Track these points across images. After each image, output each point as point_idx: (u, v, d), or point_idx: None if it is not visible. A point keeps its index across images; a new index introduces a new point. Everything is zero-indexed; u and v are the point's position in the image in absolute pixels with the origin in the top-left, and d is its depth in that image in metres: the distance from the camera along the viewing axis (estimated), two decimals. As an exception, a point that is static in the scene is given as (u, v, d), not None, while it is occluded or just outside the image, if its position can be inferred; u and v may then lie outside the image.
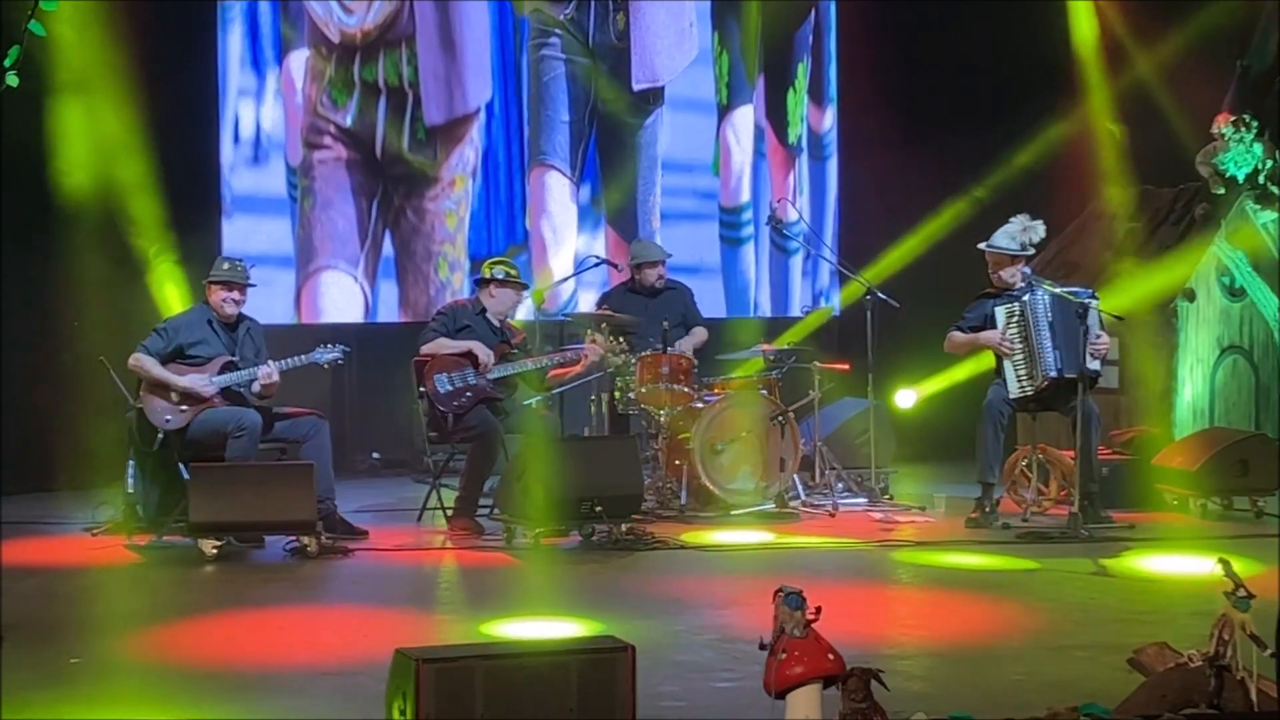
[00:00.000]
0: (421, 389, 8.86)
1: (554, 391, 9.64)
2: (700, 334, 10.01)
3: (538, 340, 9.74)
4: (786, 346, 10.20)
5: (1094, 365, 8.75)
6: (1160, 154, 10.93)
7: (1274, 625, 4.24)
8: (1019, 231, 8.89)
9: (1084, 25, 11.78)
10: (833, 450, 9.82)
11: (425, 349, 8.93)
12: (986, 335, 8.91)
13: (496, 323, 9.09)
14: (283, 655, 5.97)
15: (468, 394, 8.77)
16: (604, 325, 9.43)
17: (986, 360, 9.30)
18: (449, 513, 8.74)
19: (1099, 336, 8.76)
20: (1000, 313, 8.86)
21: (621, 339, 9.30)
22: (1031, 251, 9.02)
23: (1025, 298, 8.81)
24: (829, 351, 10.74)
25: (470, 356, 8.84)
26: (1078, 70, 11.68)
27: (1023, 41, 11.53)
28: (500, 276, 9.07)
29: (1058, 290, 8.81)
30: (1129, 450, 9.66)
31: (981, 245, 8.98)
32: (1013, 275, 8.88)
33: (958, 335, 9.06)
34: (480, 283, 9.20)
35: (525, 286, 9.37)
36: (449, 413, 8.78)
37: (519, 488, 8.20)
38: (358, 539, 8.31)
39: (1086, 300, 8.66)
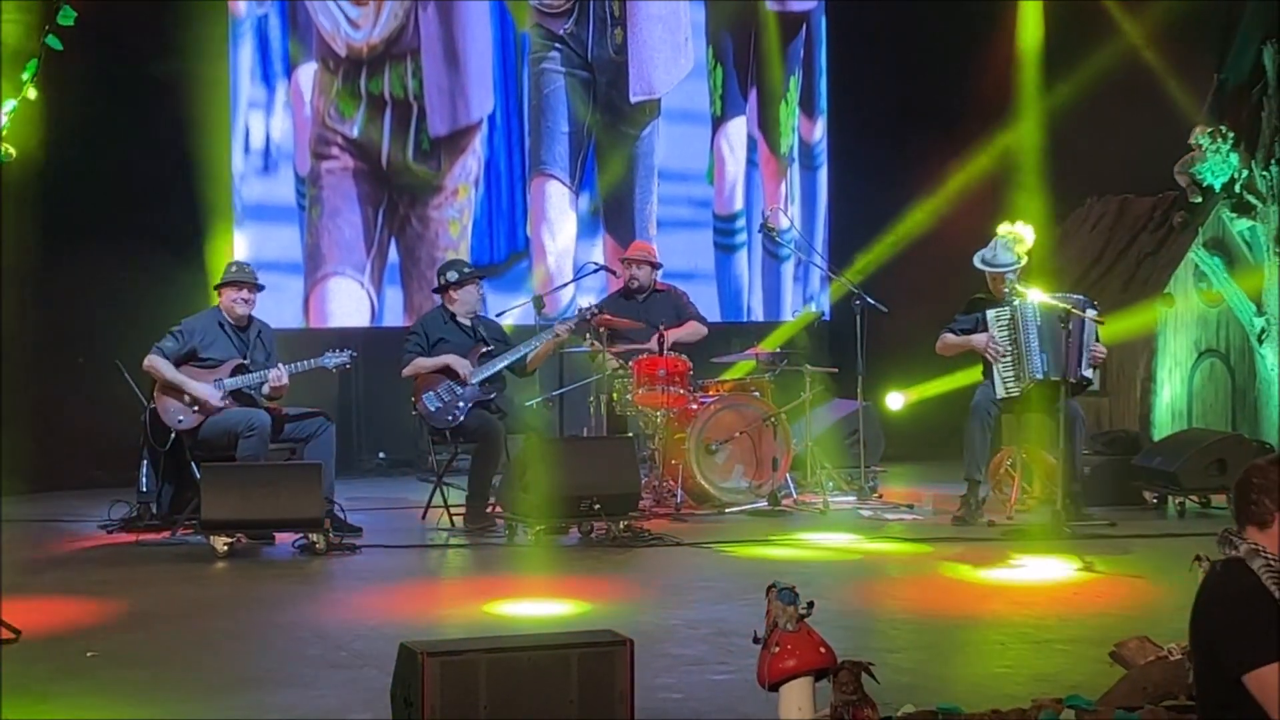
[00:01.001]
0: (415, 409, 8.97)
1: (555, 394, 9.82)
2: (692, 325, 10.04)
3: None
4: (778, 350, 10.36)
5: (1088, 373, 8.92)
6: (1139, 163, 11.03)
7: None
8: (1013, 243, 9.05)
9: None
10: (823, 450, 9.96)
11: (405, 373, 9.02)
12: (976, 338, 9.05)
13: (468, 323, 9.15)
14: (291, 649, 6.05)
15: (459, 405, 8.87)
16: (602, 330, 9.62)
17: (974, 375, 9.40)
18: (453, 511, 8.87)
19: (1096, 346, 8.93)
20: (991, 316, 9.02)
21: (591, 305, 9.37)
22: (1025, 260, 9.17)
23: (1015, 302, 8.95)
24: (819, 354, 10.90)
25: (449, 371, 8.93)
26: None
27: (1009, 50, 11.73)
28: (455, 279, 9.13)
29: (1047, 296, 8.95)
30: (1110, 450, 9.78)
31: (980, 266, 9.09)
32: (1007, 293, 9.02)
33: (950, 338, 9.18)
34: (439, 291, 9.25)
35: (481, 276, 9.36)
36: (446, 428, 8.92)
37: (520, 486, 8.32)
38: (357, 535, 8.41)
39: (1085, 308, 8.80)
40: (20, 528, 8.80)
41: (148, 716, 5.06)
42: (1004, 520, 8.91)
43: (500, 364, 9.04)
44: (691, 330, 10.03)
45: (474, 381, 8.93)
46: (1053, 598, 7.03)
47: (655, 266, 10.27)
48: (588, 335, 9.57)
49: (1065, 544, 8.22)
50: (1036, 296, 8.95)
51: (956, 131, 11.72)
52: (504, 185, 12.00)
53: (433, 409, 8.88)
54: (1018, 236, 9.08)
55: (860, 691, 4.41)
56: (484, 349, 9.06)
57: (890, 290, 10.61)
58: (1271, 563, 3.58)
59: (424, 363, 8.98)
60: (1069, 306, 8.70)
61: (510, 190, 12.02)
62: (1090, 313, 8.86)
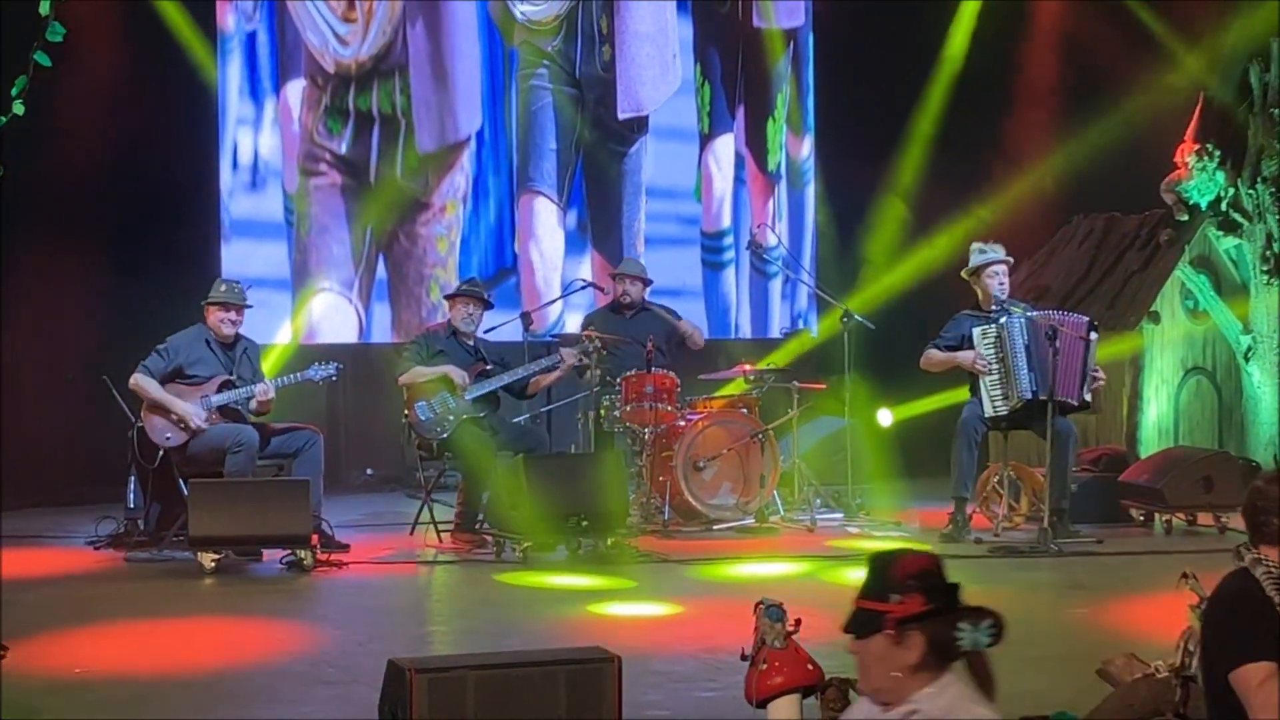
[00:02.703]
0: (405, 417, 8.99)
1: (543, 411, 9.82)
2: (696, 330, 10.24)
3: (525, 360, 9.86)
4: (766, 367, 10.33)
5: (1088, 396, 8.91)
6: (1126, 181, 11.05)
7: None
8: (989, 247, 9.09)
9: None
10: (811, 467, 9.96)
11: (402, 380, 9.02)
12: (963, 355, 9.04)
13: (470, 342, 9.18)
14: (280, 665, 6.07)
15: (450, 418, 8.89)
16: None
17: (962, 394, 9.40)
18: (440, 527, 8.89)
19: (1095, 370, 8.93)
20: (976, 333, 9.00)
21: (592, 337, 9.38)
22: (1012, 260, 9.20)
23: (1002, 319, 8.93)
24: (807, 371, 10.92)
25: (446, 381, 8.95)
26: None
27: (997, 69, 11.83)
28: (456, 290, 9.20)
29: (1035, 314, 8.97)
30: (1097, 468, 9.79)
31: (976, 262, 9.06)
32: (999, 287, 9.01)
33: (935, 353, 9.16)
34: (448, 297, 9.33)
35: (476, 298, 9.23)
36: (435, 439, 8.93)
37: (508, 503, 8.34)
38: (344, 552, 8.42)
39: (1088, 330, 8.79)
40: (7, 543, 8.75)
41: (135, 733, 5.09)
42: (991, 537, 8.92)
43: (498, 383, 9.07)
44: (694, 331, 10.19)
45: (469, 396, 8.95)
46: (1039, 615, 7.02)
47: (646, 283, 10.29)
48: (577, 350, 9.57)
49: (1052, 560, 8.24)
50: (1022, 313, 8.96)
51: (943, 149, 11.75)
52: (492, 202, 12.04)
53: (424, 418, 8.90)
54: (994, 248, 9.10)
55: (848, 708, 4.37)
56: (483, 367, 9.09)
57: (878, 307, 10.63)
58: (1272, 570, 3.67)
59: (422, 370, 8.99)
60: (1056, 323, 8.69)
61: (498, 207, 12.07)
62: (1093, 335, 8.84)
